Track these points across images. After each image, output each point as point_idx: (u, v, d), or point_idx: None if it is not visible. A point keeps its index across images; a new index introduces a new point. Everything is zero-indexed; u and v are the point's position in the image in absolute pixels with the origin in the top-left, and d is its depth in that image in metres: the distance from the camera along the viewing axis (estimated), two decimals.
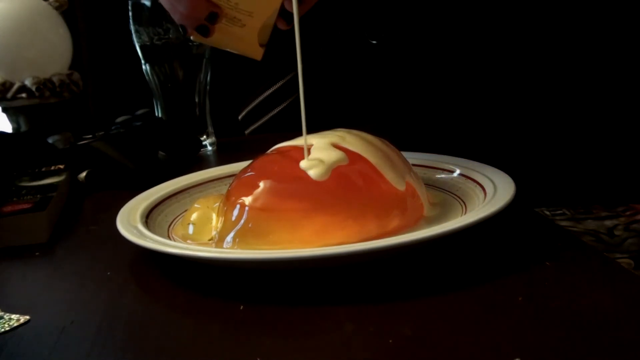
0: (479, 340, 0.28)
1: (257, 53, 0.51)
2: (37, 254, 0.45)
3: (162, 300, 0.36)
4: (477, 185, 0.44)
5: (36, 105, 0.75)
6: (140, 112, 0.72)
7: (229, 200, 0.41)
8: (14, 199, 0.52)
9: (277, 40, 0.53)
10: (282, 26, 0.49)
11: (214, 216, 0.43)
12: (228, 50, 0.52)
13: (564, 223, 0.48)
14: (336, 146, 0.41)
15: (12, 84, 0.73)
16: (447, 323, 0.30)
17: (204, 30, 0.48)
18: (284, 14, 0.49)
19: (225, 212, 0.41)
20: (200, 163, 0.69)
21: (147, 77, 0.73)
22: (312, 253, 0.34)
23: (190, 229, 0.43)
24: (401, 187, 0.40)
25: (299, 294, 0.34)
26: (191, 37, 0.50)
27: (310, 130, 0.46)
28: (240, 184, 0.42)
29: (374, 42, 0.82)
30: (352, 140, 0.42)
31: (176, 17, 0.49)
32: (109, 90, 1.03)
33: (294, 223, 0.38)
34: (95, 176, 0.62)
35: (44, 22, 0.77)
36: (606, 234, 0.47)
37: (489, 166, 0.46)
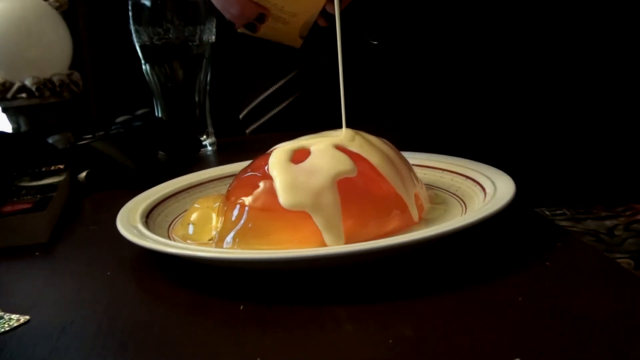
0: (479, 340, 0.28)
1: (297, 43, 0.55)
2: (37, 254, 0.45)
3: (162, 300, 0.36)
4: (477, 185, 0.44)
5: (36, 105, 0.75)
6: (140, 112, 0.72)
7: (229, 200, 0.41)
8: (14, 199, 0.52)
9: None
10: (322, 23, 0.54)
11: (214, 216, 0.43)
12: (270, 40, 0.55)
13: (564, 223, 0.48)
14: (339, 148, 0.40)
15: (12, 84, 0.73)
16: (447, 323, 0.30)
17: (252, 27, 0.53)
18: (324, 12, 0.54)
19: (225, 212, 0.41)
20: (200, 163, 0.69)
21: (147, 77, 0.73)
22: (312, 253, 0.34)
23: (190, 229, 0.43)
24: (415, 218, 0.41)
25: (299, 294, 0.34)
26: (238, 30, 0.55)
27: (311, 130, 0.46)
28: (240, 184, 0.42)
29: (375, 42, 0.82)
30: (354, 141, 0.42)
31: (227, 16, 0.54)
32: (109, 90, 1.03)
33: (294, 223, 0.38)
34: (95, 176, 0.62)
35: (44, 22, 0.77)
36: (606, 234, 0.47)
37: (489, 166, 0.46)
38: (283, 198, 0.37)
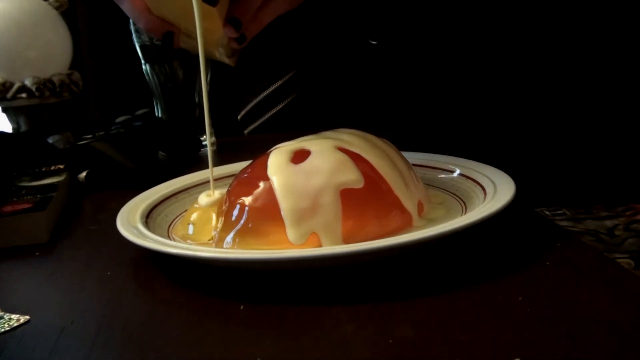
0: (479, 340, 0.28)
1: (228, 62, 0.53)
2: (37, 254, 0.45)
3: (162, 300, 0.36)
4: (477, 185, 0.44)
5: (36, 105, 0.75)
6: (140, 112, 0.72)
7: (229, 200, 0.41)
8: (14, 199, 0.52)
9: (276, 40, 0.54)
10: (234, 45, 0.51)
11: (214, 216, 0.43)
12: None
13: (564, 223, 0.48)
14: (339, 148, 0.40)
15: (12, 84, 0.73)
16: (447, 323, 0.30)
17: (166, 42, 0.51)
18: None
19: (225, 212, 0.41)
20: (200, 163, 0.69)
21: (147, 77, 0.73)
22: (312, 253, 0.34)
23: (190, 229, 0.43)
24: (415, 218, 0.40)
25: (299, 294, 0.34)
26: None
27: (311, 131, 0.46)
28: (240, 184, 0.42)
29: (374, 42, 0.82)
30: (355, 142, 0.42)
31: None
32: (109, 90, 1.03)
33: None
34: (95, 176, 0.62)
35: (44, 22, 0.77)
36: (606, 234, 0.47)
37: (489, 166, 0.46)
38: (289, 232, 0.37)
